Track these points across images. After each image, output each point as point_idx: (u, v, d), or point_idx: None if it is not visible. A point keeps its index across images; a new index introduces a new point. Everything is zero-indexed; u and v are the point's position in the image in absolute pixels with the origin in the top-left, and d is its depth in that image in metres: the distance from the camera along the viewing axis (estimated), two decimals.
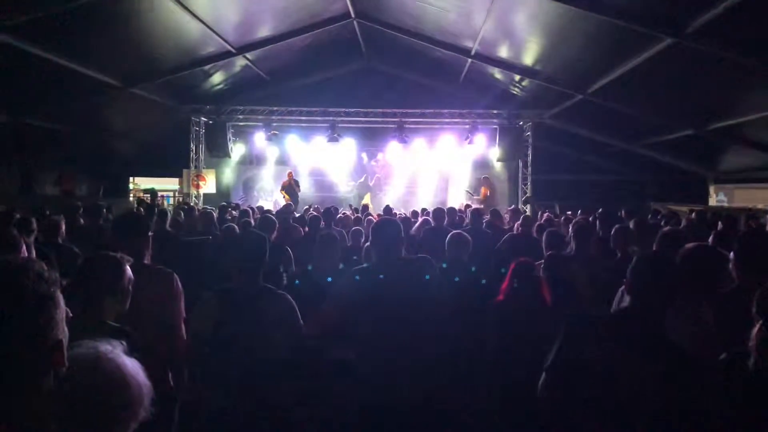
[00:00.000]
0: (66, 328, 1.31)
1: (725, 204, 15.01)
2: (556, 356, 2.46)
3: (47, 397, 1.25)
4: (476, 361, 3.64)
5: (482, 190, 17.74)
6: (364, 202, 16.58)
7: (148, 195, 15.82)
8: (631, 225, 5.92)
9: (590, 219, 7.94)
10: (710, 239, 4.93)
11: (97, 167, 18.16)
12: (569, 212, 10.86)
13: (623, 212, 8.65)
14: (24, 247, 3.39)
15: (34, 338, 1.22)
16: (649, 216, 9.80)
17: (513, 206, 12.70)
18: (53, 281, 1.30)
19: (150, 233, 3.49)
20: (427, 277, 3.32)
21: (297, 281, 4.52)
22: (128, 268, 2.62)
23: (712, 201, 15.50)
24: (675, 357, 2.30)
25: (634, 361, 2.27)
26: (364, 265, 3.69)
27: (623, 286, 3.04)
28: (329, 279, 4.37)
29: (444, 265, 4.44)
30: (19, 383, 1.21)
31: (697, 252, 3.04)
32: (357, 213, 11.11)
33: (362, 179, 18.61)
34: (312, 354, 3.27)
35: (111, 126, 16.15)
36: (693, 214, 9.39)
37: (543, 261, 4.57)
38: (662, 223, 8.02)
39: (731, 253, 3.06)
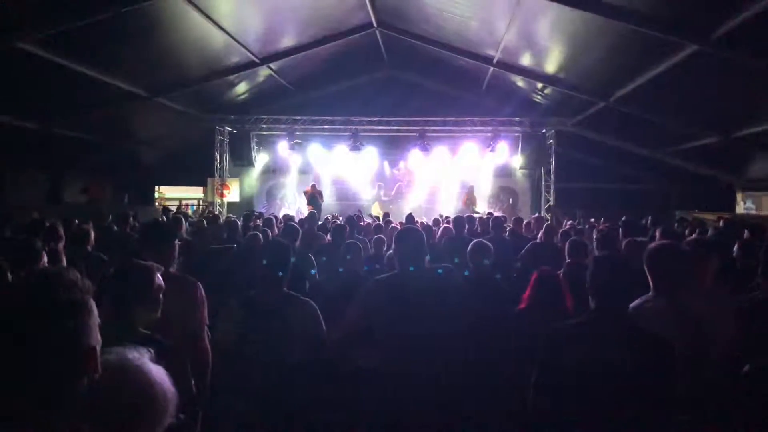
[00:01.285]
0: (99, 335, 1.35)
1: (753, 211, 14.75)
2: (540, 368, 2.50)
3: (81, 401, 1.28)
4: (499, 369, 3.63)
5: (464, 196, 17.66)
6: (373, 212, 16.52)
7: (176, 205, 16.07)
8: (657, 234, 5.87)
9: (612, 228, 7.88)
10: (735, 249, 4.87)
11: (123, 175, 18.46)
12: (592, 219, 10.76)
13: (649, 221, 8.56)
14: (45, 257, 3.46)
15: (68, 345, 1.26)
16: (676, 225, 9.68)
17: (537, 214, 12.62)
18: (87, 289, 1.34)
19: (177, 242, 3.54)
20: (440, 271, 3.34)
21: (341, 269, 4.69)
22: (159, 276, 2.66)
23: (740, 209, 15.25)
24: (645, 341, 2.39)
25: (610, 354, 2.34)
26: (387, 273, 3.70)
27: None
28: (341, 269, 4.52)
29: (465, 273, 4.45)
30: (54, 388, 1.24)
31: (656, 251, 3.08)
32: (378, 221, 11.12)
33: (375, 190, 18.55)
34: (335, 361, 3.30)
35: (137, 135, 16.43)
36: (721, 222, 9.24)
37: (565, 269, 4.54)
38: (686, 232, 7.91)
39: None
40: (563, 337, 2.53)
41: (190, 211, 17.65)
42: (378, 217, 12.60)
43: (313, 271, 5.63)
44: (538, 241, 7.28)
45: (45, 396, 1.23)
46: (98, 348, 1.33)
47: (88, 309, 1.32)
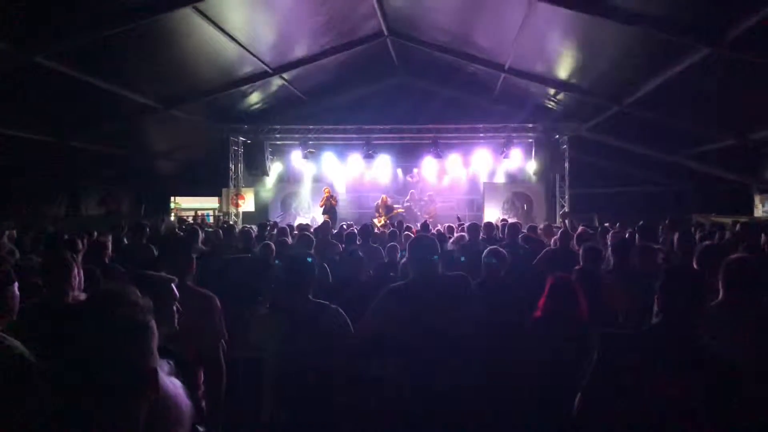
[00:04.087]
0: (158, 356, 1.34)
1: None
2: (593, 375, 2.45)
3: (142, 426, 1.27)
4: (513, 377, 3.61)
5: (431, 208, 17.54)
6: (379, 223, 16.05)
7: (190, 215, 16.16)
8: (675, 239, 5.84)
9: (629, 232, 7.82)
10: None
11: (139, 187, 18.65)
12: (607, 224, 10.68)
13: (667, 225, 8.48)
14: (77, 269, 3.49)
15: (129, 367, 1.25)
16: (693, 229, 9.59)
17: (546, 223, 12.48)
18: (148, 309, 1.33)
19: (194, 255, 3.56)
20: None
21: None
22: (174, 287, 2.67)
23: (758, 211, 15.05)
24: (715, 365, 2.29)
25: (674, 373, 2.26)
26: (401, 281, 3.71)
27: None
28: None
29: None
30: (115, 413, 1.23)
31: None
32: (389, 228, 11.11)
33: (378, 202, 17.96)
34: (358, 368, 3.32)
35: (152, 147, 16.61)
36: (738, 226, 9.13)
37: (575, 275, 4.50)
38: (697, 236, 7.79)
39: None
40: (623, 344, 2.48)
41: (207, 221, 17.79)
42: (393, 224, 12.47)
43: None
44: (553, 247, 7.26)
45: (107, 421, 1.22)
46: (159, 369, 1.31)
47: (150, 330, 1.31)
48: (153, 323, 1.32)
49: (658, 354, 2.33)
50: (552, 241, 7.87)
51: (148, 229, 7.55)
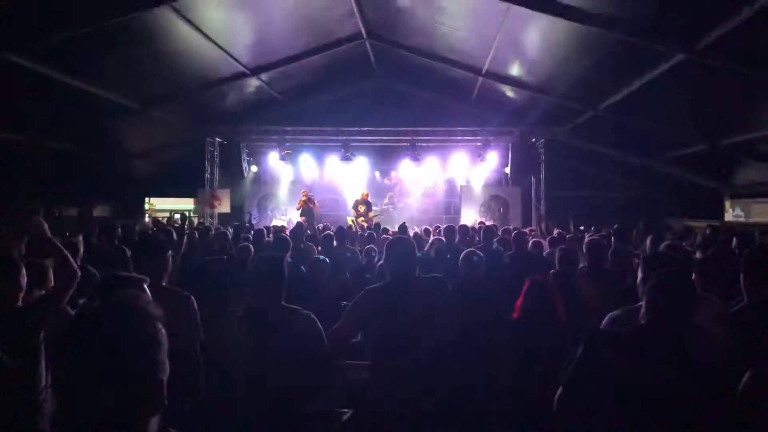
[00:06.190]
0: (168, 366, 1.30)
1: (742, 219, 14.83)
2: (576, 370, 2.46)
3: None
4: (491, 378, 3.62)
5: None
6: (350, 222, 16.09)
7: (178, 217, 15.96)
8: (648, 242, 5.92)
9: (603, 235, 7.91)
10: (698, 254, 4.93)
11: (114, 188, 18.37)
12: (581, 227, 10.79)
13: (641, 229, 8.61)
14: (23, 270, 3.41)
15: (141, 379, 1.22)
16: (665, 232, 9.73)
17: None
18: (160, 318, 1.30)
19: (169, 254, 3.51)
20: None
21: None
22: (145, 287, 2.63)
23: (729, 216, 15.33)
24: (698, 369, 2.32)
25: (658, 374, 2.29)
26: (378, 283, 3.69)
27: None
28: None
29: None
30: (125, 427, 1.20)
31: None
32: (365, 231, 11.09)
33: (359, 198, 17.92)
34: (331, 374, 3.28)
35: (127, 147, 16.38)
36: (708, 230, 9.29)
37: (552, 278, 4.53)
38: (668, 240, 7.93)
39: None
40: (609, 343, 2.49)
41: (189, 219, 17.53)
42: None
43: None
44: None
45: None
46: (165, 380, 1.28)
47: (161, 341, 1.28)
48: (163, 333, 1.29)
49: (644, 354, 2.35)
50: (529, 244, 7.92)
51: (120, 230, 7.43)
